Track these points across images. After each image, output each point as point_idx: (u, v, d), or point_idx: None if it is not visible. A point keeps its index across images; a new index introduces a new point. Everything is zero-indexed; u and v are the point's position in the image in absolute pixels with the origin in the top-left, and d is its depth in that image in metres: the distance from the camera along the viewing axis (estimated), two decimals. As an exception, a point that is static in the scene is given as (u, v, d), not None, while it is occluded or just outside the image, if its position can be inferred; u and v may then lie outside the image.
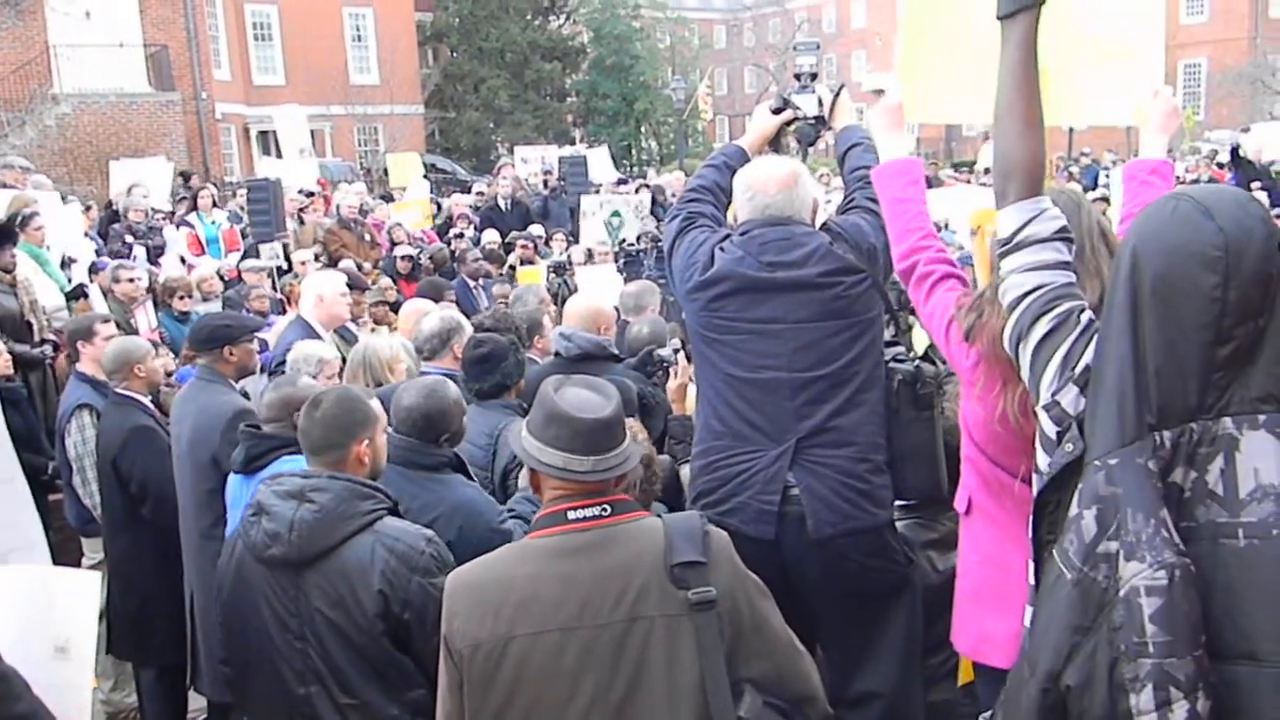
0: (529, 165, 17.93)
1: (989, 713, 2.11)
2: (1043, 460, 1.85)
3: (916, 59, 3.05)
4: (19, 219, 7.14)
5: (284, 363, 4.26)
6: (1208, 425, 1.62)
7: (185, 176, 16.28)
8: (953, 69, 2.87)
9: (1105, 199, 10.36)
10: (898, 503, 2.95)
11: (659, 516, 2.13)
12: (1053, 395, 1.84)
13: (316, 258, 9.73)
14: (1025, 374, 1.93)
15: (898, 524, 2.97)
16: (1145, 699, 1.56)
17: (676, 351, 3.86)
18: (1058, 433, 1.82)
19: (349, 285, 5.85)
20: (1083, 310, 1.88)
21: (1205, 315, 1.61)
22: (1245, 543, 1.59)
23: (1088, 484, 1.68)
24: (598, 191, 14.62)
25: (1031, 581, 1.87)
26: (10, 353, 5.25)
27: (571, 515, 2.04)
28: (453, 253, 10.35)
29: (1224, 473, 1.61)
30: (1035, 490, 1.86)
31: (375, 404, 2.84)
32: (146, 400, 4.42)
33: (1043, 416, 1.86)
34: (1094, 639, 1.62)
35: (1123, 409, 1.66)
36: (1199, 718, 1.55)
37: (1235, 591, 1.59)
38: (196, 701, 4.37)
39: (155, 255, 10.17)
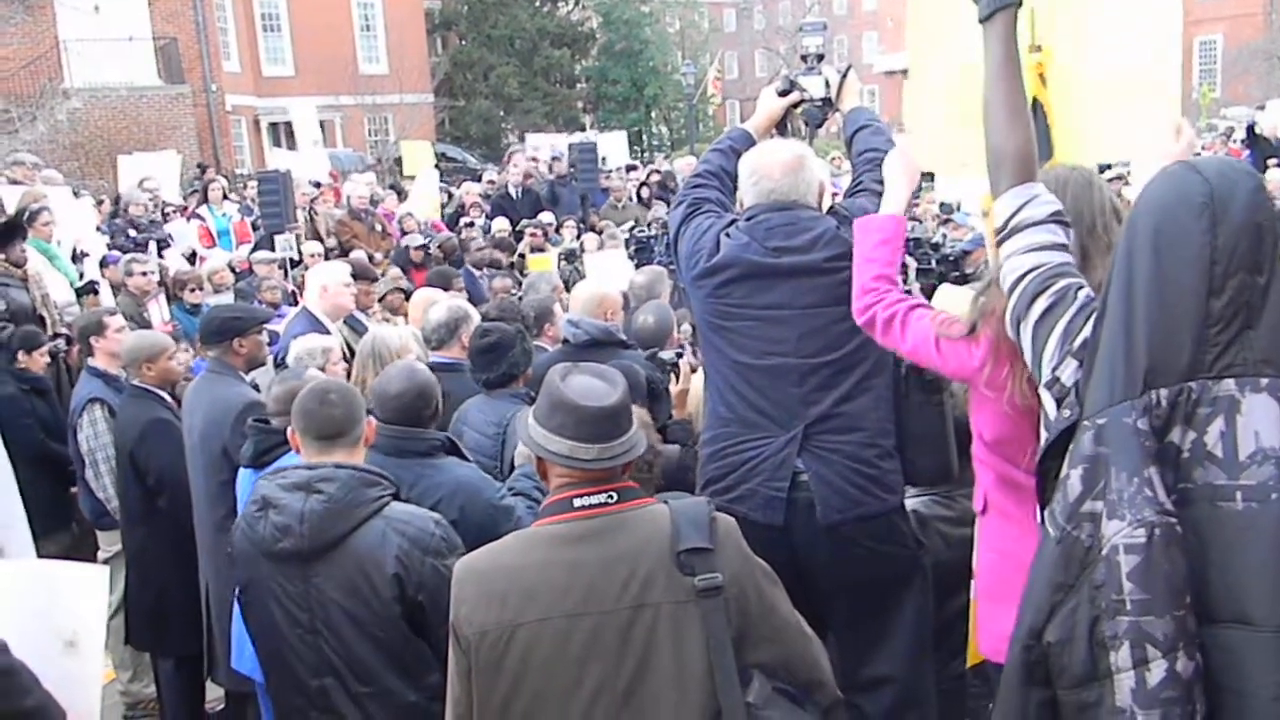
0: (539, 152, 17.87)
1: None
2: (1045, 441, 1.85)
3: (923, 110, 3.07)
4: (27, 214, 7.17)
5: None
6: (1207, 385, 1.61)
7: (202, 169, 16.30)
8: (958, 120, 2.91)
9: (1121, 177, 10.22)
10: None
11: (666, 503, 2.12)
12: (1053, 371, 1.84)
13: (328, 251, 9.73)
14: (1027, 354, 1.93)
15: (913, 501, 2.96)
16: (1123, 656, 1.56)
17: (679, 355, 3.81)
18: (1057, 406, 1.81)
19: (357, 275, 5.85)
20: (1080, 287, 1.89)
21: (1196, 263, 1.62)
22: (1243, 505, 1.58)
23: (1077, 444, 1.68)
24: (608, 177, 14.57)
25: None
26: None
27: (578, 503, 2.03)
28: (462, 242, 10.34)
29: (1224, 434, 1.60)
30: (1036, 460, 1.86)
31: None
32: (164, 393, 4.44)
33: (1045, 395, 1.86)
34: (1075, 597, 1.62)
35: (1114, 368, 1.66)
36: (1177, 677, 1.54)
37: (1231, 554, 1.58)
38: (214, 691, 4.40)
39: (160, 249, 10.20)
